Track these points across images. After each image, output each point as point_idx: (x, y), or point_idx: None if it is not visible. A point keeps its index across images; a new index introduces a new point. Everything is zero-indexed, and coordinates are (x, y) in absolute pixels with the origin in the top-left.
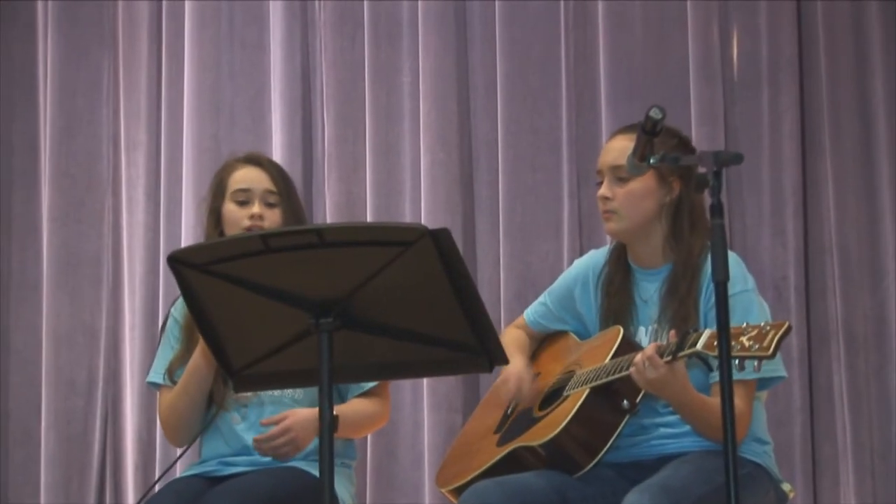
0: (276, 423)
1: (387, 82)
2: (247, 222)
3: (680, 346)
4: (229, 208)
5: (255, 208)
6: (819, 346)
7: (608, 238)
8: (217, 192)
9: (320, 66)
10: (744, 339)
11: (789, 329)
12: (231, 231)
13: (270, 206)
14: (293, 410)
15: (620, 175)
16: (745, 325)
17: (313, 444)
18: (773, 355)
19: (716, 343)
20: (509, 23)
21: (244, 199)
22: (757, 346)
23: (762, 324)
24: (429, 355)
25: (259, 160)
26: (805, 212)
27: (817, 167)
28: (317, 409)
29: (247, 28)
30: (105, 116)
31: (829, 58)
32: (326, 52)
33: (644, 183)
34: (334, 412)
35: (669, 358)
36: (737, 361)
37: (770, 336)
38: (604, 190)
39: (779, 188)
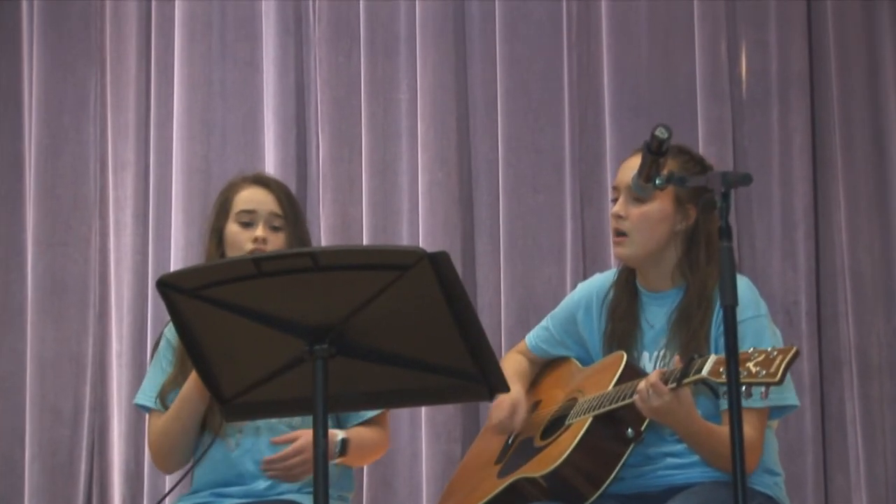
0: (288, 442)
1: (383, 99)
2: (249, 245)
3: (685, 373)
4: (232, 229)
5: (259, 231)
6: (831, 374)
7: (613, 261)
8: (221, 211)
9: (315, 82)
10: (750, 364)
11: (797, 354)
12: (232, 253)
13: (275, 229)
14: (305, 430)
15: (638, 196)
16: (751, 350)
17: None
18: (781, 381)
19: (722, 369)
20: (510, 38)
21: (248, 221)
22: (764, 372)
23: (769, 349)
24: (427, 383)
25: (267, 181)
26: (816, 234)
27: (829, 187)
28: (331, 431)
29: (239, 44)
30: (92, 135)
31: (840, 74)
32: (321, 68)
33: (660, 206)
34: (345, 435)
35: (674, 385)
36: (743, 388)
37: (777, 361)
38: (618, 207)
39: (789, 209)
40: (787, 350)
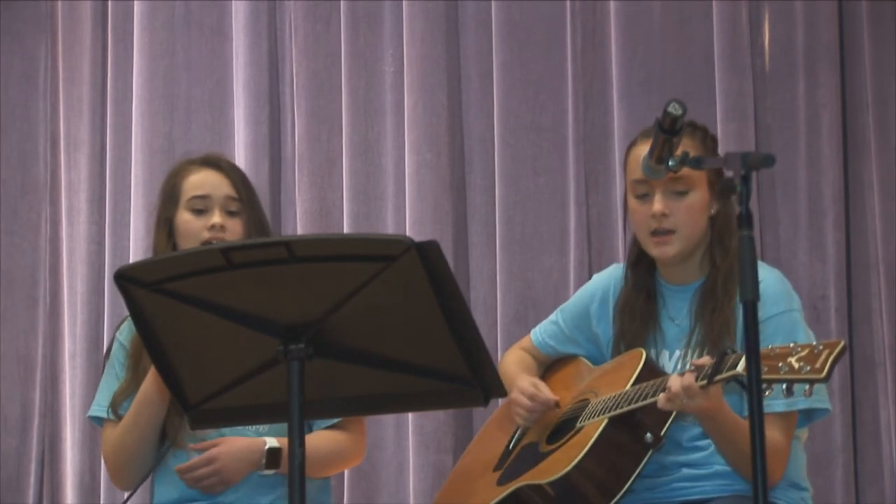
0: (206, 449)
1: (366, 72)
2: (205, 234)
3: (717, 369)
4: (184, 218)
5: (216, 218)
6: (863, 377)
7: (621, 251)
8: (169, 198)
9: (290, 53)
10: (792, 360)
11: (845, 349)
12: (186, 244)
13: (231, 214)
14: (226, 438)
15: (678, 188)
16: (792, 344)
17: (283, 487)
18: (827, 378)
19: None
20: (507, 4)
21: (201, 208)
22: (808, 368)
23: (813, 343)
24: (414, 387)
25: (217, 162)
26: (847, 222)
27: (861, 170)
28: (251, 440)
29: (205, 10)
30: (42, 111)
31: (873, 44)
32: (297, 37)
33: (701, 194)
34: (276, 444)
35: (704, 382)
36: (784, 386)
37: (823, 357)
38: (660, 206)
39: (817, 195)
40: (834, 344)
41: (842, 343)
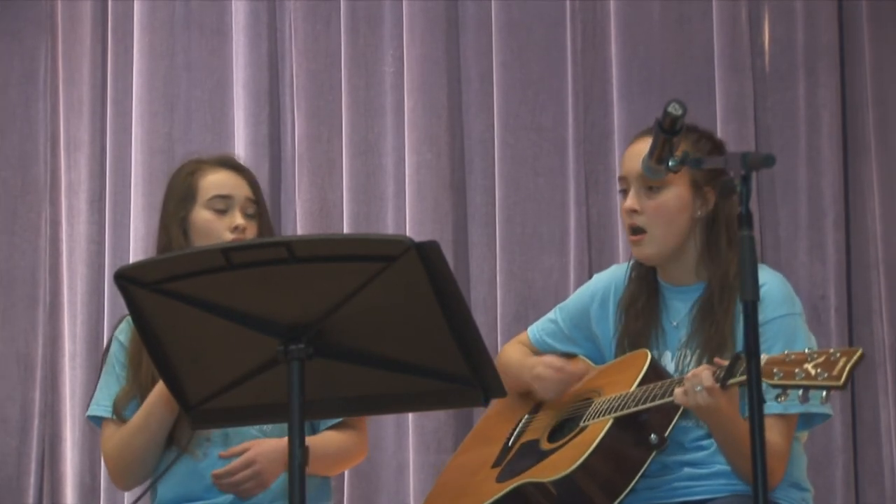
0: (238, 454)
1: (366, 72)
2: (229, 235)
3: (730, 373)
4: (205, 217)
5: (239, 219)
6: (864, 377)
7: (621, 252)
8: (184, 197)
9: (290, 53)
10: (808, 366)
11: (862, 356)
12: (206, 243)
13: (250, 217)
14: (257, 441)
15: (651, 184)
16: (808, 350)
17: (281, 485)
18: (845, 386)
19: (775, 370)
20: (507, 4)
21: (223, 208)
22: (825, 375)
23: (830, 350)
24: (415, 387)
25: (237, 165)
26: (847, 222)
27: (861, 170)
28: (285, 440)
29: (205, 10)
30: (42, 111)
31: (873, 45)
32: (297, 37)
33: (677, 193)
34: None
35: (716, 385)
36: (800, 392)
37: (841, 364)
38: (631, 202)
39: (817, 195)
40: (852, 352)
41: (859, 351)
